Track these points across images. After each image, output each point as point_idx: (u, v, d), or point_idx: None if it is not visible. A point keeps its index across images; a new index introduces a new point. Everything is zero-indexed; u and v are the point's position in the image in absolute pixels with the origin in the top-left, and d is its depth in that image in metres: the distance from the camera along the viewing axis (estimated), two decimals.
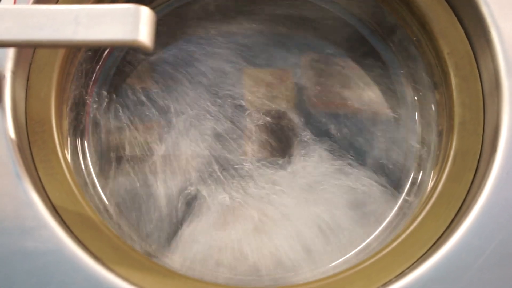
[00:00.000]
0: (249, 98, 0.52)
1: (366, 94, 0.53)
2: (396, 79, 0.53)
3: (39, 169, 0.42)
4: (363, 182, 0.50)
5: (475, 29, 0.44)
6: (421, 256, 0.41)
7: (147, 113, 0.52)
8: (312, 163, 0.51)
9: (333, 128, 0.52)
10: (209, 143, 0.51)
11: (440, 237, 0.41)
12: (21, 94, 0.43)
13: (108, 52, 0.52)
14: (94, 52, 0.51)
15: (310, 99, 0.53)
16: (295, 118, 0.52)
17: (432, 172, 0.48)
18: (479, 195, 0.40)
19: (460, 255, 0.38)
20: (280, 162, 0.51)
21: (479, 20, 0.43)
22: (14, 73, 0.41)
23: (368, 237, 0.49)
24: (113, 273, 0.38)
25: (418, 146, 0.51)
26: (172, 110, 0.52)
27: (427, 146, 0.50)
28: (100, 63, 0.52)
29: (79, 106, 0.51)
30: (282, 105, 0.52)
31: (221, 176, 0.50)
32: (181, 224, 0.49)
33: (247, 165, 0.51)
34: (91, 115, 0.51)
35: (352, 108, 0.53)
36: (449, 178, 0.43)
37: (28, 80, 0.43)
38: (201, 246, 0.48)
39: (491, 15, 0.43)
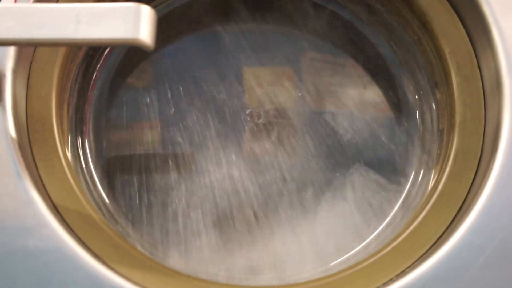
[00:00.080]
0: (250, 97, 0.52)
1: (367, 93, 0.53)
2: (397, 78, 0.53)
3: (39, 167, 0.42)
4: (363, 181, 0.50)
5: (476, 28, 0.44)
6: (422, 255, 0.41)
7: (148, 112, 0.52)
8: (311, 163, 0.51)
9: (333, 127, 0.52)
10: (209, 142, 0.51)
11: (441, 236, 0.41)
12: (22, 93, 0.43)
13: (109, 50, 0.52)
14: (95, 51, 0.51)
15: (310, 98, 0.53)
16: (295, 118, 0.52)
17: (433, 171, 0.48)
18: (480, 194, 0.40)
19: (461, 254, 0.38)
20: (279, 161, 0.51)
21: (480, 19, 0.43)
22: (15, 71, 0.41)
23: (368, 237, 0.49)
24: (113, 271, 0.38)
25: (418, 145, 0.51)
26: (173, 109, 0.52)
27: (428, 145, 0.50)
28: (101, 62, 0.52)
29: (79, 105, 0.50)
30: (282, 104, 0.52)
31: (222, 175, 0.50)
32: (181, 223, 0.49)
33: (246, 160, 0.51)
34: (92, 114, 0.51)
35: (353, 107, 0.53)
36: (450, 177, 0.43)
37: (28, 78, 0.43)
38: (201, 245, 0.48)
39: (492, 14, 0.43)
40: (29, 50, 0.44)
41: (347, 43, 0.54)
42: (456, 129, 0.44)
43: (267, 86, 0.53)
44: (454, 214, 0.42)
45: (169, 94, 0.52)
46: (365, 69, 0.54)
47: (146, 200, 0.49)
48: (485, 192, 0.40)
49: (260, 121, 0.52)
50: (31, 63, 0.44)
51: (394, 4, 0.50)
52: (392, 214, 0.50)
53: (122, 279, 0.38)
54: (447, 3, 0.46)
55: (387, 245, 0.42)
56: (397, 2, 0.50)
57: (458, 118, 0.44)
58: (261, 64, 0.54)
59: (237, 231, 0.49)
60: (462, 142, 0.44)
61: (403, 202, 0.50)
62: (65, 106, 0.47)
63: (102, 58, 0.52)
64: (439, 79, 0.48)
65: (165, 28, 0.53)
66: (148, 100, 0.52)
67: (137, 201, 0.49)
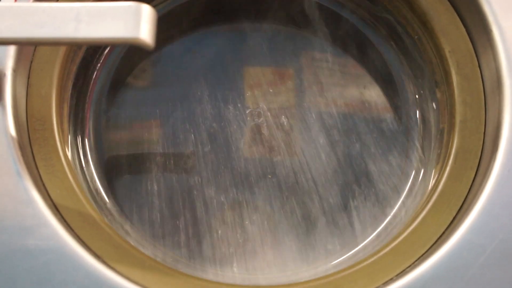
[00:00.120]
0: (250, 96, 0.52)
1: (367, 92, 0.53)
2: (397, 77, 0.53)
3: (39, 167, 0.42)
4: (363, 180, 0.50)
5: (476, 28, 0.44)
6: (422, 255, 0.41)
7: (148, 111, 0.52)
8: (311, 161, 0.51)
9: (333, 127, 0.52)
10: (210, 140, 0.51)
11: (441, 236, 0.41)
12: (22, 92, 0.43)
13: (109, 50, 0.52)
14: (95, 50, 0.51)
15: (310, 97, 0.53)
16: (295, 117, 0.52)
17: (433, 170, 0.48)
18: (480, 194, 0.40)
19: (461, 254, 0.38)
20: (279, 160, 0.51)
21: (481, 19, 0.43)
22: (15, 71, 0.41)
23: (368, 236, 0.49)
24: (113, 271, 0.38)
25: (419, 144, 0.51)
26: (173, 108, 0.52)
27: (428, 144, 0.50)
28: (101, 61, 0.52)
29: (80, 104, 0.51)
30: (282, 104, 0.52)
31: (222, 175, 0.50)
32: (181, 221, 0.49)
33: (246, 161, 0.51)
34: (92, 113, 0.51)
35: (353, 106, 0.53)
36: (450, 177, 0.43)
37: (29, 78, 0.43)
38: (202, 243, 0.48)
39: (492, 13, 0.43)
40: (29, 50, 0.44)
41: (347, 43, 0.54)
42: (457, 129, 0.44)
43: (267, 85, 0.53)
44: (454, 214, 0.42)
45: (169, 94, 0.52)
46: (365, 69, 0.54)
47: (146, 199, 0.49)
48: (485, 192, 0.40)
49: (260, 121, 0.52)
50: (31, 62, 0.44)
51: (395, 3, 0.50)
52: (392, 213, 0.50)
53: (122, 278, 0.38)
54: (447, 2, 0.46)
55: (387, 245, 0.42)
56: (397, 2, 0.50)
57: (458, 118, 0.44)
58: (262, 64, 0.54)
59: (237, 229, 0.49)
60: (462, 142, 0.44)
61: (403, 201, 0.50)
62: (65, 105, 0.47)
63: (102, 58, 0.52)
64: (439, 79, 0.48)
65: (165, 27, 0.53)
66: (148, 99, 0.52)
67: (137, 200, 0.49)
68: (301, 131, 0.52)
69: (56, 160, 0.42)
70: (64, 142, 0.44)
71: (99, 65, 0.52)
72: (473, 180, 0.43)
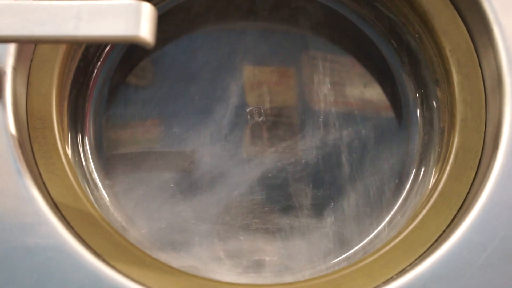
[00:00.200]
0: (250, 95, 0.52)
1: (367, 91, 0.53)
2: (397, 76, 0.53)
3: (39, 165, 0.42)
4: (364, 179, 0.50)
5: (477, 26, 0.44)
6: (422, 254, 0.40)
7: (148, 110, 0.52)
8: (312, 160, 0.51)
9: (333, 126, 0.52)
10: (210, 139, 0.51)
11: (441, 235, 0.41)
12: (22, 90, 0.43)
13: (109, 48, 0.52)
14: (95, 49, 0.51)
15: (310, 96, 0.53)
16: (296, 116, 0.52)
17: (434, 170, 0.48)
18: (481, 193, 0.40)
19: (461, 253, 0.38)
20: (279, 159, 0.51)
21: (481, 17, 0.43)
22: (15, 69, 0.41)
23: (368, 235, 0.49)
24: (113, 269, 0.38)
25: (419, 143, 0.51)
26: (173, 106, 0.52)
27: (428, 143, 0.50)
28: (101, 59, 0.52)
29: (80, 103, 0.50)
30: (282, 103, 0.52)
31: (222, 174, 0.50)
32: (182, 221, 0.49)
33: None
34: (92, 112, 0.51)
35: (353, 105, 0.53)
36: (451, 176, 0.43)
37: (29, 76, 0.43)
38: (203, 242, 0.48)
39: (493, 12, 0.43)
40: (29, 48, 0.43)
41: (347, 42, 0.54)
42: (457, 128, 0.44)
43: (267, 84, 0.53)
44: (454, 213, 0.42)
45: (169, 92, 0.52)
46: (365, 68, 0.53)
47: (146, 197, 0.49)
48: (485, 191, 0.40)
49: (260, 119, 0.52)
50: (32, 60, 0.44)
51: (395, 2, 0.50)
52: (392, 212, 0.50)
53: (122, 276, 0.38)
54: (448, 1, 0.46)
55: (387, 244, 0.42)
56: (398, 1, 0.50)
57: (458, 117, 0.44)
58: (262, 62, 0.54)
59: (238, 227, 0.49)
60: (462, 141, 0.44)
61: (403, 200, 0.50)
62: (65, 103, 0.47)
63: (103, 56, 0.52)
64: (439, 77, 0.48)
65: (165, 25, 0.53)
66: (148, 98, 0.52)
67: (138, 198, 0.49)
68: (301, 129, 0.51)
69: (56, 158, 0.42)
70: (64, 141, 0.44)
71: (99, 63, 0.52)
72: (474, 180, 0.43)
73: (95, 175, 0.50)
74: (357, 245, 0.48)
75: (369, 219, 0.49)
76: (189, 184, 0.50)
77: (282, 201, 0.50)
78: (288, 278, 0.46)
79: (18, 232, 0.38)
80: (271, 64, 0.54)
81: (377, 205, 0.50)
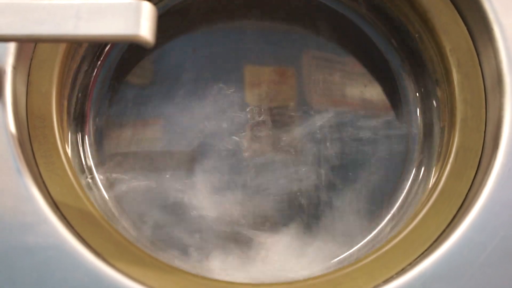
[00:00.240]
0: (250, 94, 0.52)
1: (367, 91, 0.53)
2: (397, 76, 0.53)
3: (39, 164, 0.42)
4: (364, 178, 0.50)
5: (477, 26, 0.44)
6: (422, 253, 0.40)
7: (148, 109, 0.52)
8: (312, 159, 0.51)
9: (333, 125, 0.52)
10: (210, 138, 0.51)
11: (441, 234, 0.41)
12: (22, 89, 0.43)
13: (109, 47, 0.52)
14: (95, 48, 0.51)
15: (310, 96, 0.53)
16: (296, 115, 0.52)
17: (434, 169, 0.48)
18: (481, 192, 0.40)
19: (461, 252, 0.38)
20: (279, 158, 0.51)
21: (482, 17, 0.43)
22: (15, 68, 0.41)
23: (369, 234, 0.49)
24: (113, 268, 0.38)
25: (419, 143, 0.51)
26: (173, 106, 0.52)
27: (428, 142, 0.50)
28: (101, 59, 0.52)
29: (80, 102, 0.50)
30: (282, 102, 0.52)
31: (222, 173, 0.50)
32: (182, 220, 0.49)
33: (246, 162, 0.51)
34: (92, 111, 0.51)
35: (353, 104, 0.53)
36: (451, 175, 0.43)
37: (29, 75, 0.43)
38: (202, 241, 0.48)
39: (493, 11, 0.43)
40: (29, 47, 0.43)
41: (348, 41, 0.54)
42: (457, 127, 0.44)
43: (267, 84, 0.53)
44: (454, 212, 0.42)
45: (169, 91, 0.52)
46: (366, 67, 0.53)
47: (146, 196, 0.49)
48: (486, 190, 0.40)
49: (260, 119, 0.52)
50: (31, 59, 0.44)
51: (396, 2, 0.50)
52: (392, 212, 0.50)
53: (122, 275, 0.38)
54: (448, 0, 0.46)
55: (387, 243, 0.42)
56: (398, 0, 0.50)
57: (459, 116, 0.44)
58: (262, 62, 0.54)
59: (237, 228, 0.49)
60: (463, 140, 0.44)
61: (403, 200, 0.50)
62: (65, 103, 0.47)
63: (103, 55, 0.52)
64: (440, 77, 0.48)
65: (166, 25, 0.53)
66: (148, 97, 0.52)
67: (137, 197, 0.49)
68: (301, 128, 0.51)
69: (56, 157, 0.42)
70: (64, 140, 0.44)
71: (99, 62, 0.52)
72: (474, 179, 0.43)
73: (95, 174, 0.50)
74: (357, 245, 0.48)
75: (369, 218, 0.49)
76: (190, 183, 0.50)
77: (282, 200, 0.50)
78: (288, 277, 0.46)
79: (18, 231, 0.38)
80: (271, 63, 0.54)
81: (377, 205, 0.50)
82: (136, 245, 0.41)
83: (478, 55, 0.45)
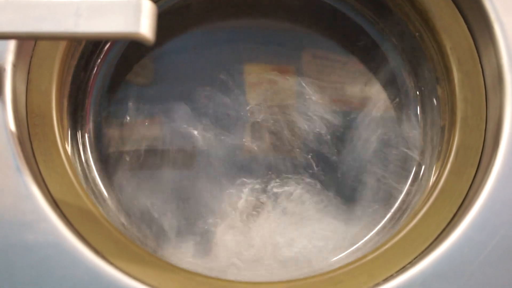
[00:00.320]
0: (250, 93, 0.52)
1: (368, 89, 0.53)
2: (398, 74, 0.53)
3: (39, 162, 0.42)
4: (363, 177, 0.50)
5: (478, 24, 0.44)
6: (422, 251, 0.40)
7: (148, 107, 0.51)
8: (312, 159, 0.51)
9: (334, 124, 0.52)
10: (209, 138, 0.51)
11: (441, 232, 0.41)
12: (22, 87, 0.43)
13: (109, 45, 0.52)
14: (95, 46, 0.51)
15: (311, 94, 0.53)
16: (296, 114, 0.52)
17: (434, 167, 0.48)
18: (481, 191, 0.40)
19: (462, 251, 0.38)
20: (279, 158, 0.51)
21: (482, 15, 0.43)
22: (15, 66, 0.41)
23: (369, 233, 0.49)
24: (113, 266, 0.38)
25: (420, 141, 0.51)
26: (173, 104, 0.52)
27: (429, 141, 0.50)
28: (101, 57, 0.52)
29: (79, 100, 0.50)
30: (283, 101, 0.52)
31: (222, 172, 0.50)
32: (181, 218, 0.49)
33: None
34: (92, 109, 0.51)
35: (353, 103, 0.53)
36: (451, 174, 0.43)
37: (28, 73, 0.43)
38: (202, 241, 0.48)
39: (494, 10, 0.43)
40: (29, 45, 0.43)
41: (348, 40, 0.54)
42: (457, 126, 0.44)
43: (268, 82, 0.53)
44: (455, 211, 0.42)
45: (169, 90, 0.52)
46: (366, 66, 0.53)
47: (146, 195, 0.49)
48: (486, 189, 0.40)
49: (260, 118, 0.52)
50: (31, 57, 0.44)
51: (396, 1, 0.50)
52: (393, 210, 0.50)
53: (121, 273, 0.38)
54: None
55: (387, 241, 0.41)
56: None
57: (459, 115, 0.44)
58: (262, 61, 0.54)
59: (238, 224, 0.49)
60: (463, 139, 0.44)
61: (404, 198, 0.50)
62: (65, 101, 0.47)
63: (103, 53, 0.52)
64: (440, 75, 0.48)
65: (166, 24, 0.53)
66: (148, 95, 0.52)
67: (137, 196, 0.49)
68: (302, 127, 0.51)
69: (56, 155, 0.42)
70: (64, 138, 0.44)
71: (99, 60, 0.52)
72: (474, 177, 0.43)
73: (94, 172, 0.50)
74: (357, 243, 0.48)
75: (369, 217, 0.49)
76: (190, 181, 0.50)
77: (281, 198, 0.50)
78: (287, 276, 0.46)
79: (18, 229, 0.38)
80: (272, 62, 0.53)
81: (377, 203, 0.50)
82: (136, 243, 0.41)
83: (478, 53, 0.45)
